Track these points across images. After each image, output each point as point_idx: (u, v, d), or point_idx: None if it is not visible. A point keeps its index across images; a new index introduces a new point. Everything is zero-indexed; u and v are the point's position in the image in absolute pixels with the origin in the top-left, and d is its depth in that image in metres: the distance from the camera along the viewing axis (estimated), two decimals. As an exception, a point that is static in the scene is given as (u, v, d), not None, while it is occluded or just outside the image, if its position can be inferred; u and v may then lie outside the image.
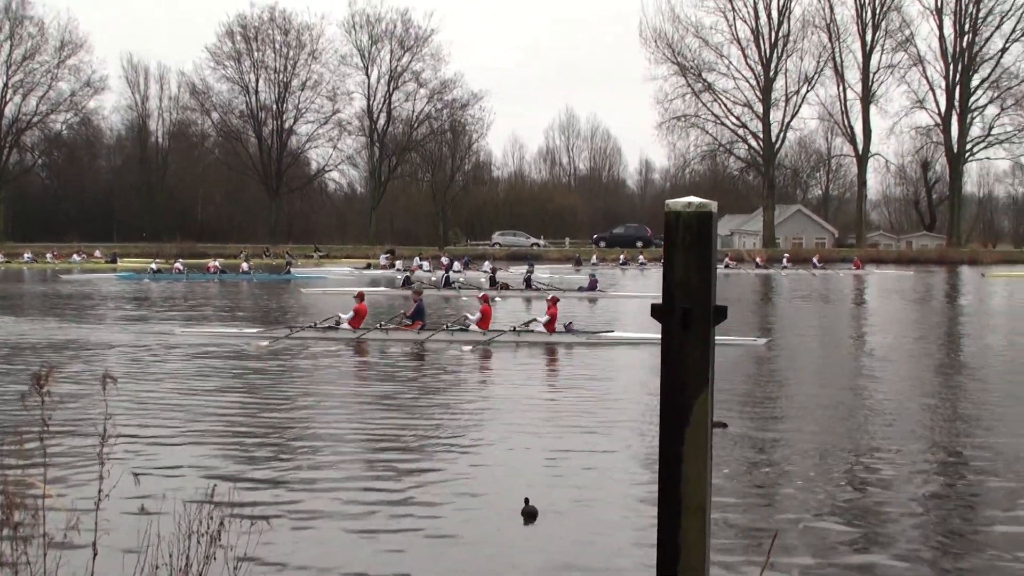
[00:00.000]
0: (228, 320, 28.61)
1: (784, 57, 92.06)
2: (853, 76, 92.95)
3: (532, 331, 23.22)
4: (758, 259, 69.23)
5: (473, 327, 23.46)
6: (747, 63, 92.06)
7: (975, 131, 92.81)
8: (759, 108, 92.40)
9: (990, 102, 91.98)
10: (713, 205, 4.69)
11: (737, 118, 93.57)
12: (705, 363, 4.52)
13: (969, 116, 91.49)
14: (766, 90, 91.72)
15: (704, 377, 4.51)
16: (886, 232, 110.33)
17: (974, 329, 28.35)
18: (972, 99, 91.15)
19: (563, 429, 12.94)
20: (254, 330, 24.48)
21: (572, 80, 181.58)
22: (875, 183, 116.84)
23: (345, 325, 23.60)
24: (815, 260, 67.15)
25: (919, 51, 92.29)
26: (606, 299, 37.11)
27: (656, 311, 4.64)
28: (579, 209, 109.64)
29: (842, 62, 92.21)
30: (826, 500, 9.69)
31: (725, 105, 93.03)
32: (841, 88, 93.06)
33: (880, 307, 37.21)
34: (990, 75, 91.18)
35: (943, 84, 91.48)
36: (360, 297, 24.84)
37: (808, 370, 19.84)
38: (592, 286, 39.44)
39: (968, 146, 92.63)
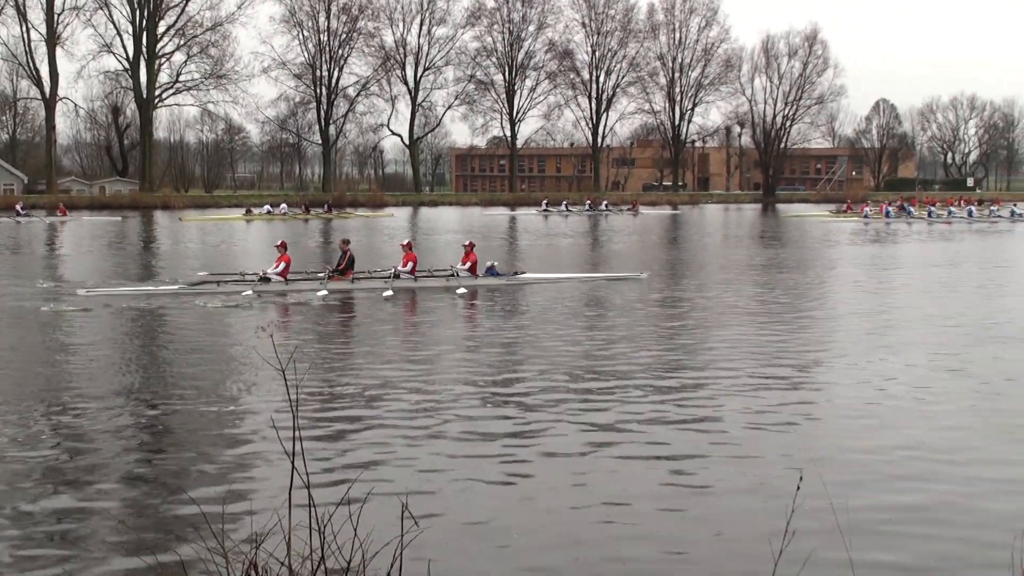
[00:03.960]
0: None
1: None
2: (37, 16, 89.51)
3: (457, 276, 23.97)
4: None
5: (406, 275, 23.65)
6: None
7: (164, 78, 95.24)
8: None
9: (177, 49, 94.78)
10: None
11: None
12: None
13: (157, 62, 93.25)
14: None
15: None
16: (79, 178, 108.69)
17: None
18: (159, 46, 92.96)
19: None
20: None
21: None
22: (65, 127, 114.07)
23: (277, 278, 22.87)
24: (19, 207, 63.95)
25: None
26: None
27: None
28: None
29: (25, 2, 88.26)
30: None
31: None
32: (25, 28, 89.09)
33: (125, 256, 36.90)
34: (176, 22, 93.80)
35: (131, 29, 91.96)
36: (283, 247, 23.68)
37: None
38: None
39: (158, 92, 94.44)
